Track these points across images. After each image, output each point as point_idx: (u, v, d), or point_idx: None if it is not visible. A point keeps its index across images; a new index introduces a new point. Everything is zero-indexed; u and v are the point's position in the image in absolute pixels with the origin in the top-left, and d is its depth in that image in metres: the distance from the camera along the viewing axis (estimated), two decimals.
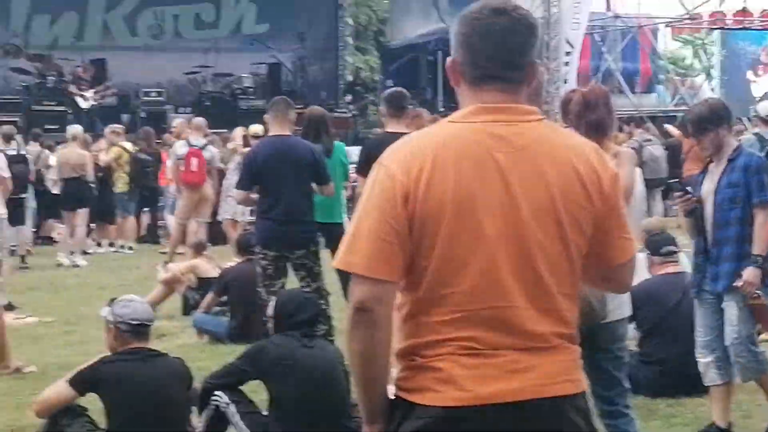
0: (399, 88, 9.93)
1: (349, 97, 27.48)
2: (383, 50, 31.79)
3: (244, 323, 9.72)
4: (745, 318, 6.45)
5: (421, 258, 2.80)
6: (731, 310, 6.43)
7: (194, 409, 6.15)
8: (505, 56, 2.90)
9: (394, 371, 2.90)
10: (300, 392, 5.87)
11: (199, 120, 16.74)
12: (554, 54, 23.69)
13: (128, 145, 18.10)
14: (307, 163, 8.84)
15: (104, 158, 17.73)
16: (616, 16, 27.52)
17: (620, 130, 19.55)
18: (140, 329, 5.98)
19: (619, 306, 5.30)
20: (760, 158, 6.78)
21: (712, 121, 6.42)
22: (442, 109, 24.96)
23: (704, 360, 6.62)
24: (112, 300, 6.15)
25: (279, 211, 8.65)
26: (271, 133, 9.39)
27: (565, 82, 23.47)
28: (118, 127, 19.24)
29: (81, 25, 27.38)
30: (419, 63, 27.58)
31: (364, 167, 8.80)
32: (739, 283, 6.32)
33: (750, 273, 6.30)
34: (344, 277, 10.19)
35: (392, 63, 29.36)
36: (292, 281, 8.95)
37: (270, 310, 6.45)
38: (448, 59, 2.97)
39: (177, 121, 18.54)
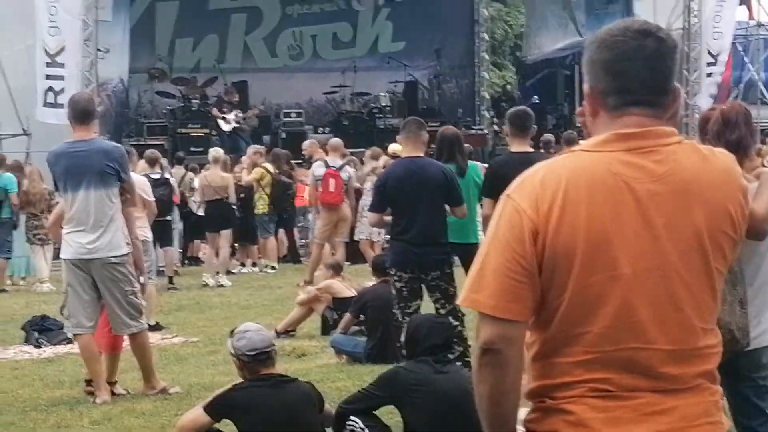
0: (522, 107, 9.86)
1: (492, 113, 27.28)
2: (520, 65, 31.56)
3: (381, 344, 9.77)
4: None
5: (552, 297, 2.67)
6: None
7: None
8: (657, 81, 2.73)
9: (523, 412, 2.81)
10: (433, 418, 5.88)
11: (336, 141, 16.91)
12: (694, 65, 23.21)
13: (270, 167, 18.37)
14: (440, 184, 8.83)
15: (246, 178, 18.04)
16: (760, 25, 26.67)
17: (763, 143, 19.01)
18: (260, 357, 6.04)
19: (762, 333, 5.11)
20: None
21: None
22: (578, 125, 24.64)
23: None
24: (232, 332, 6.24)
25: (413, 234, 8.67)
26: (403, 155, 9.42)
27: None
28: (260, 148, 19.59)
29: (222, 47, 27.92)
30: (556, 78, 27.25)
31: (490, 188, 8.78)
32: None
33: None
34: None
35: (529, 78, 29.11)
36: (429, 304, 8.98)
37: (403, 336, 6.46)
38: (586, 87, 2.80)
39: (306, 143, 18.71)
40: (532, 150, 9.19)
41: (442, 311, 8.67)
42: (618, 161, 2.69)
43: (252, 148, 19.37)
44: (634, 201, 2.66)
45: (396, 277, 8.72)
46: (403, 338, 8.24)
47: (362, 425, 6.00)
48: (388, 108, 25.40)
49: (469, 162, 10.57)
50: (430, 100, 27.84)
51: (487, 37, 29.66)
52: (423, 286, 8.75)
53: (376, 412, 6.20)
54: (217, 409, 5.95)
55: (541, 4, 29.76)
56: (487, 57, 29.55)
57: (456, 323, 8.57)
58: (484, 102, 28.74)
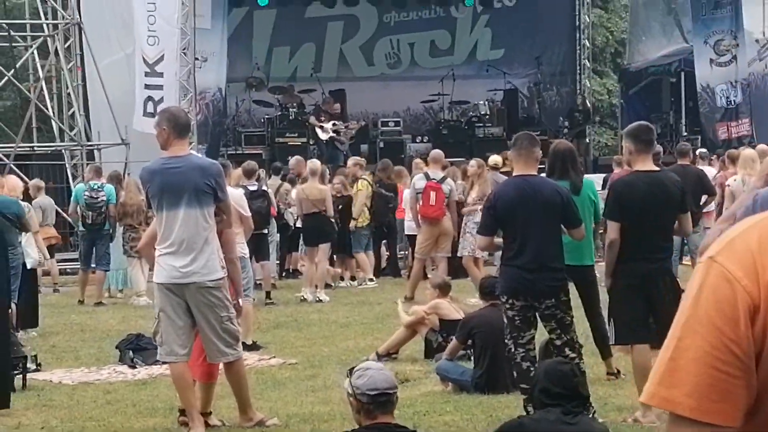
0: (644, 122, 9.12)
1: (566, 121, 26.37)
2: (621, 73, 30.70)
3: (490, 372, 9.15)
4: None
5: None
6: None
7: None
8: None
9: None
10: None
11: (437, 152, 16.28)
12: None
13: (370, 179, 17.82)
14: (556, 205, 8.12)
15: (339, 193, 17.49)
16: None
17: None
18: (380, 399, 5.42)
19: None
20: None
21: None
22: (684, 134, 23.80)
23: None
24: (350, 370, 5.64)
25: (526, 259, 7.96)
26: (515, 173, 8.73)
27: None
28: (360, 159, 19.03)
29: (318, 56, 27.53)
30: (661, 85, 26.33)
31: (615, 211, 8.11)
32: None
33: None
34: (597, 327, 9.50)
35: (631, 86, 28.16)
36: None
37: (515, 371, 5.81)
38: None
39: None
40: (657, 168, 8.46)
41: (558, 342, 8.00)
42: None
43: (352, 160, 18.80)
44: None
45: (508, 305, 8.04)
46: (515, 373, 7.71)
47: None
48: (487, 117, 24.94)
49: (584, 178, 9.88)
50: (530, 108, 27.17)
51: (588, 43, 28.89)
52: (537, 314, 8.07)
53: None
54: None
55: (644, 10, 29.00)
56: (588, 64, 28.81)
57: (573, 355, 7.91)
58: (587, 113, 28.08)
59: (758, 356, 1.97)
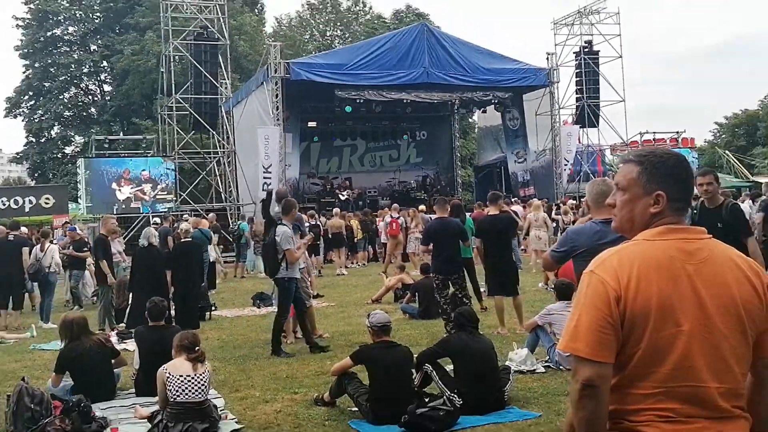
0: (495, 191, 8.72)
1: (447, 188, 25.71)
2: (474, 168, 30.49)
3: (426, 309, 8.70)
4: None
5: (630, 346, 1.71)
6: None
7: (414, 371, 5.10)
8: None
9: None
10: (471, 365, 4.77)
11: (396, 205, 15.92)
12: (559, 167, 21.92)
13: (356, 218, 17.35)
14: (457, 232, 7.73)
15: (348, 223, 16.92)
16: (588, 145, 24.96)
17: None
18: (384, 328, 4.97)
19: None
20: None
21: None
22: (504, 194, 23.49)
23: None
24: (369, 315, 5.17)
25: (444, 257, 7.55)
26: (437, 215, 8.28)
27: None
28: (350, 214, 18.49)
29: (340, 162, 27.07)
30: (492, 173, 26.16)
31: (478, 234, 7.70)
32: None
33: None
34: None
35: (479, 174, 27.95)
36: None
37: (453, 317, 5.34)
38: (660, 193, 1.77)
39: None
40: (499, 213, 8.05)
41: (460, 294, 7.55)
42: (673, 248, 1.73)
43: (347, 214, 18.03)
44: (686, 277, 1.70)
45: (435, 278, 7.62)
46: (440, 310, 7.17)
47: (431, 368, 4.89)
48: (414, 188, 24.47)
49: (467, 217, 9.45)
50: (436, 185, 26.77)
51: (459, 154, 28.62)
52: (449, 282, 7.62)
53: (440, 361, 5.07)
54: (358, 357, 4.87)
55: (483, 139, 28.82)
56: (459, 164, 28.53)
57: (467, 301, 7.47)
58: (459, 185, 27.81)
59: (622, 323, 1.69)
